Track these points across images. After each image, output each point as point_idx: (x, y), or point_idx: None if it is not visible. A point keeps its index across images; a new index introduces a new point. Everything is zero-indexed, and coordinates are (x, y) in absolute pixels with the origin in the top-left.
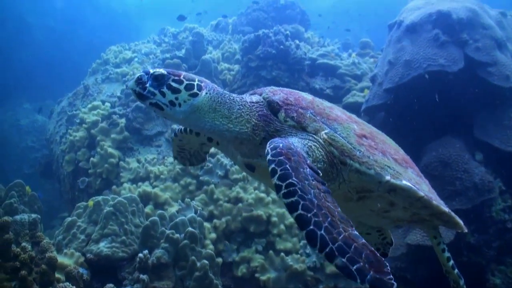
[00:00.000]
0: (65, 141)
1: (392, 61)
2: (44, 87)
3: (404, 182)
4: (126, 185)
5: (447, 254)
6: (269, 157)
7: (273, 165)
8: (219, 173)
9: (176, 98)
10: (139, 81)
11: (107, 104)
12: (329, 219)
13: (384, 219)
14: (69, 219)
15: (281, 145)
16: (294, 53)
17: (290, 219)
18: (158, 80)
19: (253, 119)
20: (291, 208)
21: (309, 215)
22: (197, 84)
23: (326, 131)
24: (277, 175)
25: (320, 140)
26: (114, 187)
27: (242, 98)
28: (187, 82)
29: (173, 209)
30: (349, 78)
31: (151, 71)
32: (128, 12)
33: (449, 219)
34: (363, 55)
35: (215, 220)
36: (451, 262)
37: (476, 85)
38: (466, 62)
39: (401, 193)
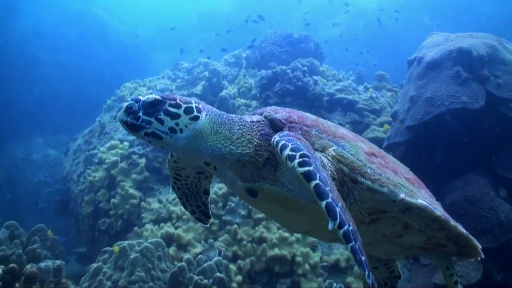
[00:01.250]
0: (83, 180)
1: (413, 98)
2: (56, 121)
3: (420, 200)
4: (148, 226)
5: (460, 286)
6: (276, 138)
7: (283, 141)
8: (242, 212)
9: (177, 124)
10: (130, 111)
11: (126, 143)
12: (340, 203)
13: (396, 247)
14: (94, 265)
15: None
16: (312, 89)
17: (314, 259)
18: (153, 106)
19: (255, 139)
20: (308, 176)
21: (326, 188)
22: (196, 107)
23: (333, 147)
24: (289, 147)
25: (329, 157)
26: (136, 228)
27: (241, 118)
28: (186, 105)
29: (197, 250)
30: (367, 113)
31: (142, 98)
32: (138, 44)
33: (466, 243)
34: (379, 88)
35: (239, 261)
36: None
37: (498, 121)
38: (487, 98)
39: (417, 212)
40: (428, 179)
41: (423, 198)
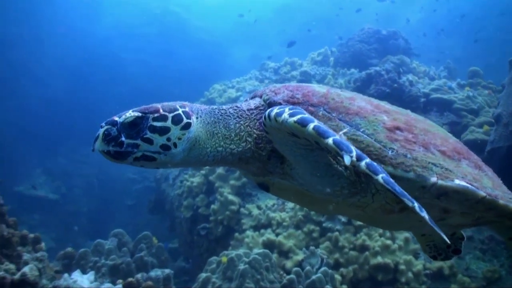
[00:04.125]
0: (180, 185)
1: None
2: None
3: (457, 181)
4: (248, 232)
5: None
6: (266, 113)
7: (269, 111)
8: (342, 219)
9: (168, 139)
10: (109, 138)
11: None
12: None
13: (442, 227)
14: (203, 275)
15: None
16: (408, 91)
17: (417, 266)
18: (135, 126)
19: (254, 130)
20: (304, 122)
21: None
22: (184, 112)
23: (345, 130)
24: (276, 108)
25: None
26: (236, 234)
27: (237, 107)
28: (172, 114)
29: (298, 257)
30: (465, 113)
31: (118, 119)
32: (216, 40)
33: None
34: (474, 85)
35: (341, 269)
36: None
37: None
38: None
39: (455, 196)
40: None
41: (462, 175)
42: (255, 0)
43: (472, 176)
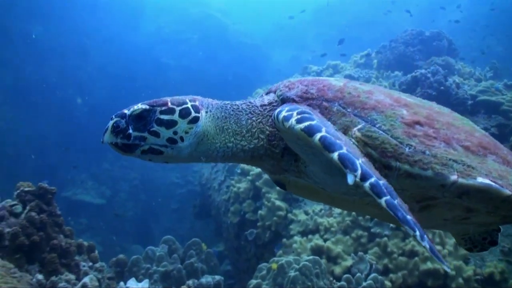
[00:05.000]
0: (226, 190)
1: None
2: None
3: (480, 179)
4: (296, 238)
5: None
6: (275, 112)
7: (280, 110)
8: (391, 224)
9: (175, 132)
10: (117, 130)
11: None
12: (361, 158)
13: (467, 226)
14: (253, 281)
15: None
16: (455, 94)
17: (468, 272)
18: (143, 118)
19: (267, 127)
20: (311, 130)
21: (338, 141)
22: (192, 105)
23: (359, 126)
24: (286, 109)
25: (353, 140)
26: (284, 240)
27: (250, 103)
28: (179, 108)
29: (347, 263)
30: None
31: (127, 111)
32: (256, 43)
33: None
34: None
35: (391, 275)
36: None
37: None
38: None
39: (478, 195)
40: None
41: (486, 172)
42: (293, 2)
43: (497, 173)
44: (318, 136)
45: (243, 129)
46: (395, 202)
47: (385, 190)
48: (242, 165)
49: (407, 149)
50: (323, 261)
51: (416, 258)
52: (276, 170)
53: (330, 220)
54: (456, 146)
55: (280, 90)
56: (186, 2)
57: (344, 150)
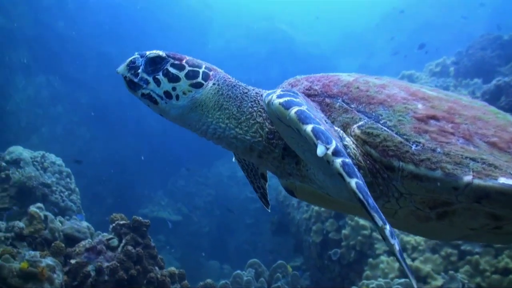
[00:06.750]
0: (306, 208)
1: None
2: None
3: (503, 180)
4: (383, 257)
5: None
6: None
7: (268, 92)
8: (481, 242)
9: (174, 88)
10: (132, 65)
11: None
12: (339, 140)
13: (502, 237)
14: None
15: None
16: None
17: None
18: (154, 64)
19: (267, 123)
20: (286, 105)
21: (313, 117)
22: (203, 72)
23: (360, 123)
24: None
25: (351, 139)
26: (370, 259)
27: (259, 92)
28: (190, 68)
29: (437, 282)
30: None
31: (147, 53)
32: (324, 54)
33: None
34: None
35: None
36: None
37: None
38: None
39: (500, 199)
40: None
41: None
42: (360, 8)
43: None
44: (295, 109)
45: (242, 116)
46: (362, 182)
47: (357, 173)
48: None
49: (413, 147)
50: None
51: (511, 276)
52: (282, 174)
53: (417, 238)
54: (478, 142)
55: (283, 87)
56: (252, 16)
57: (321, 126)
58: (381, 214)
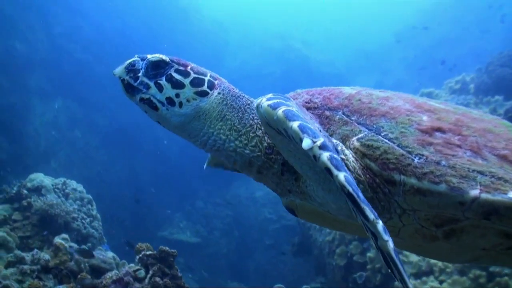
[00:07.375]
0: (329, 231)
1: None
2: None
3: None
4: (410, 281)
5: None
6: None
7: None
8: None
9: (177, 95)
10: (131, 68)
11: None
12: (327, 136)
13: None
14: None
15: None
16: None
17: None
18: (157, 68)
19: (266, 138)
20: (274, 106)
21: (301, 116)
22: (209, 80)
23: (359, 135)
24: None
25: (350, 152)
26: (396, 283)
27: None
28: (195, 75)
29: None
30: None
31: (149, 56)
32: (339, 72)
33: None
34: None
35: None
36: None
37: None
38: None
39: (511, 215)
40: None
41: None
42: (374, 26)
43: None
44: (282, 108)
45: (243, 128)
46: (350, 176)
47: (345, 167)
48: None
49: (416, 160)
50: None
51: None
52: (282, 191)
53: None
54: (487, 155)
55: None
56: (267, 35)
57: (309, 125)
58: (373, 209)
